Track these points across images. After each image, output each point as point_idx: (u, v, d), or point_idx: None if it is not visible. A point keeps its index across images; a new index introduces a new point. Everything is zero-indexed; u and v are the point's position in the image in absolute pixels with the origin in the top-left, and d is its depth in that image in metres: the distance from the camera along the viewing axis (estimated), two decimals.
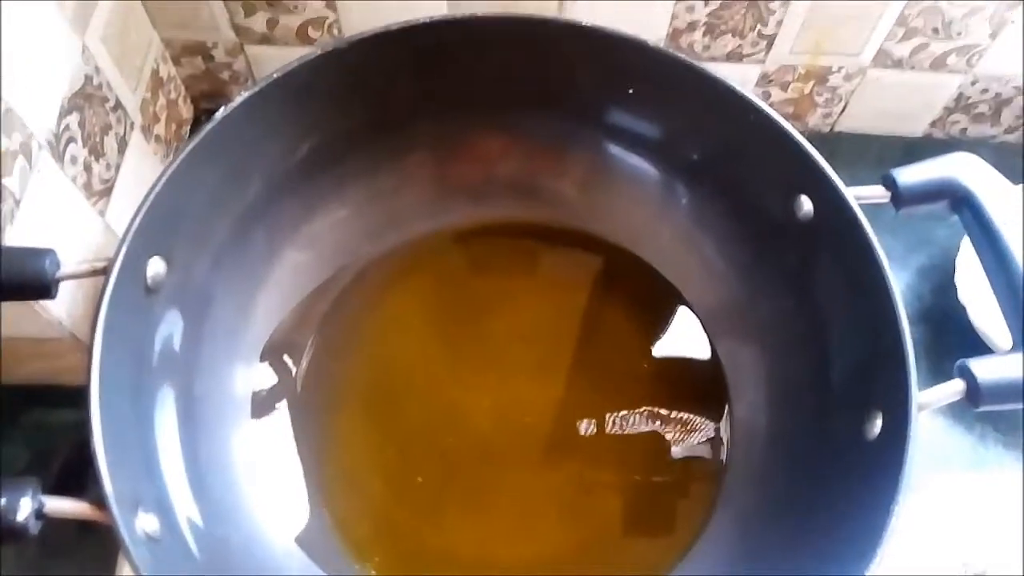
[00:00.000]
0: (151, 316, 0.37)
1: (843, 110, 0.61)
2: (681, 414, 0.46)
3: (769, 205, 0.41)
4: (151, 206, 0.35)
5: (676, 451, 0.45)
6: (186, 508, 0.35)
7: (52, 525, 0.39)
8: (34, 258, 0.33)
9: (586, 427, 0.46)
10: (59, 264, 0.34)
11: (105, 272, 0.34)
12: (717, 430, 0.45)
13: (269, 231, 0.44)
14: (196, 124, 0.60)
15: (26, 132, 0.41)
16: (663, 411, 0.46)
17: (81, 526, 0.42)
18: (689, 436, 0.46)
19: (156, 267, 0.37)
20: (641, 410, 0.46)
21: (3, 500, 0.29)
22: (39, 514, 0.30)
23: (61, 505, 0.30)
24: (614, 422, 0.46)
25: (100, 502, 0.30)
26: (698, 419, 0.46)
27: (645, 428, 0.46)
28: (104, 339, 0.32)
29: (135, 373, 0.35)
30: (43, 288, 0.33)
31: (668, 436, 0.46)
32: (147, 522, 0.32)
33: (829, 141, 0.62)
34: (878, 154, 0.62)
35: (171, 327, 0.38)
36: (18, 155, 0.41)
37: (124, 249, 0.34)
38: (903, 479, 0.32)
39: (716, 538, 0.42)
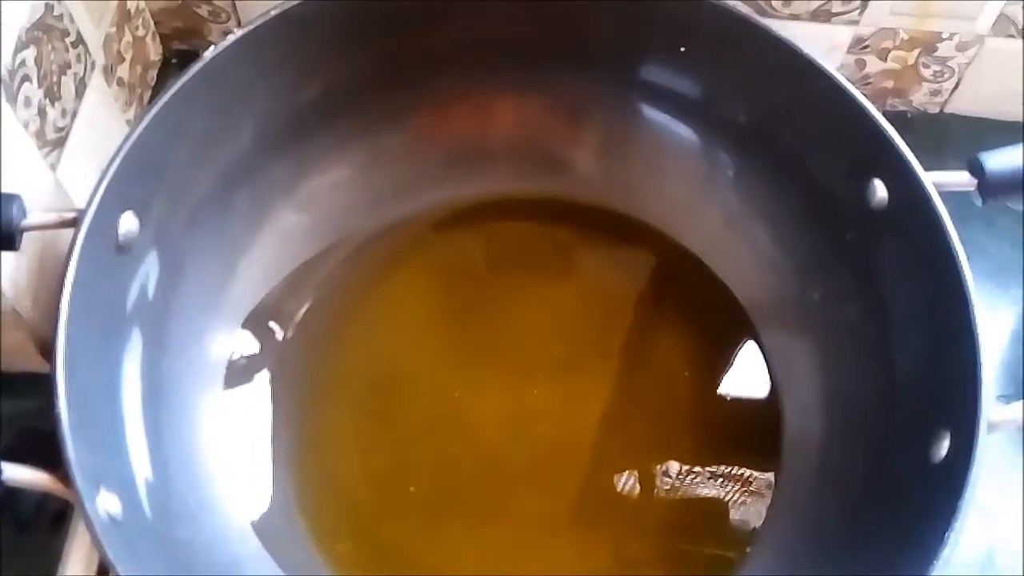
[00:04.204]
0: (120, 277, 0.45)
1: (956, 87, 0.67)
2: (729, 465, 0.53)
3: (834, 186, 0.49)
4: (130, 151, 0.42)
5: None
6: (148, 496, 0.43)
7: None
8: None
9: (605, 444, 0.53)
10: (26, 212, 0.42)
11: (75, 224, 0.41)
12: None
13: (258, 187, 0.52)
14: (165, 68, 0.68)
15: None
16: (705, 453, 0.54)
17: (2, 550, 0.50)
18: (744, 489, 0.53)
19: (128, 223, 0.45)
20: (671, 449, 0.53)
21: None
22: None
23: (19, 473, 0.37)
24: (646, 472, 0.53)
25: (62, 474, 0.38)
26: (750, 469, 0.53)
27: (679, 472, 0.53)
28: (72, 299, 0.40)
29: (101, 339, 0.43)
30: (6, 237, 0.41)
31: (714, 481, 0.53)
32: (109, 501, 0.39)
33: (938, 124, 0.69)
34: (998, 143, 0.68)
35: (143, 285, 0.46)
36: None
37: (97, 199, 0.41)
38: (962, 505, 0.39)
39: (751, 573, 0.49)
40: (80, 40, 0.58)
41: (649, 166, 0.57)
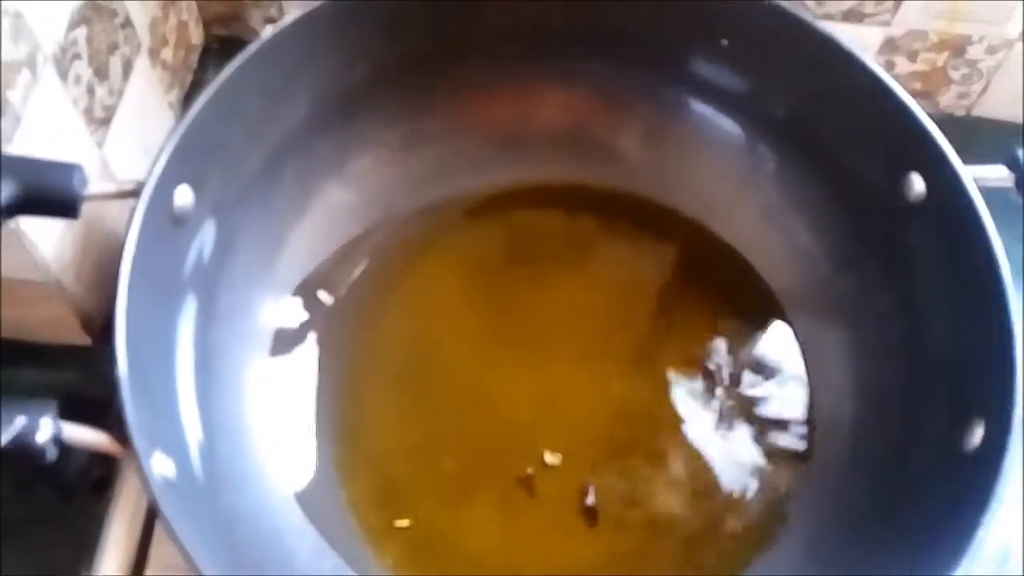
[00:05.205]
0: (175, 247, 0.46)
1: (984, 90, 0.68)
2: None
3: (872, 179, 0.50)
4: (190, 126, 0.43)
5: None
6: (200, 462, 0.44)
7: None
8: (62, 172, 0.42)
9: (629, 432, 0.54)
10: (87, 181, 0.42)
11: (135, 194, 0.42)
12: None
13: (307, 164, 0.54)
14: (206, 53, 0.69)
15: (33, 42, 0.49)
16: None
17: (47, 515, 0.51)
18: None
19: (184, 196, 0.45)
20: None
21: (24, 419, 0.37)
22: (56, 440, 0.37)
23: (78, 433, 0.38)
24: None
25: (119, 436, 0.38)
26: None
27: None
28: (131, 266, 0.41)
29: (156, 306, 0.44)
30: (69, 205, 0.42)
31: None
32: (164, 464, 0.39)
33: (964, 126, 0.69)
34: None
35: (197, 256, 0.48)
36: (23, 67, 0.49)
37: (159, 170, 0.42)
38: (995, 496, 0.40)
39: (779, 559, 0.50)
40: (128, 22, 0.58)
41: (690, 157, 0.58)
